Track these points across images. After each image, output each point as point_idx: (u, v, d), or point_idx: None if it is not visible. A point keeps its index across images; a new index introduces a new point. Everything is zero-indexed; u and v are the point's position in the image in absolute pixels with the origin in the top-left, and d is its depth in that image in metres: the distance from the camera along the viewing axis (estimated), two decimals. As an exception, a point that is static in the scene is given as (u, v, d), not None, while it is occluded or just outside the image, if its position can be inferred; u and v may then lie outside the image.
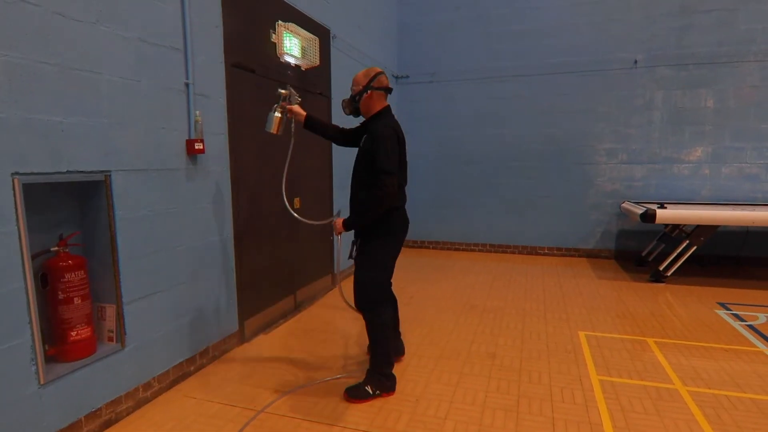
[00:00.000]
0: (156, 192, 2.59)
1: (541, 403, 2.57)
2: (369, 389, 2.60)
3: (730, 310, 4.15)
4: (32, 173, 1.96)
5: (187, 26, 2.74)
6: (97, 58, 2.22)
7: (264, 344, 3.44)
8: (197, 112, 2.83)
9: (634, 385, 2.76)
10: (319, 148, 4.50)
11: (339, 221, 2.61)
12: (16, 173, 1.89)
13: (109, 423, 2.36)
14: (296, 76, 4.02)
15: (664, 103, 5.94)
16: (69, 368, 2.16)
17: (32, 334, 1.98)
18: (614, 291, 4.78)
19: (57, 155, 2.05)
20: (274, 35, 3.65)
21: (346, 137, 2.92)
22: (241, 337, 3.41)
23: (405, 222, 2.73)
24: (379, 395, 2.62)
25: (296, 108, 2.88)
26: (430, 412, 2.49)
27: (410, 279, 5.30)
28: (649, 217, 4.81)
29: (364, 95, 2.61)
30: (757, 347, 3.33)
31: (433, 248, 7.09)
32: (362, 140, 2.64)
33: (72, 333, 2.18)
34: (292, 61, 3.87)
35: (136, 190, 2.46)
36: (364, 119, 2.73)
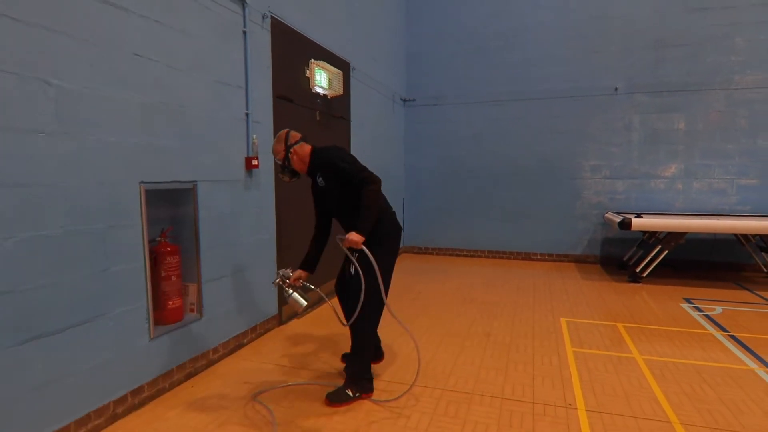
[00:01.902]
0: (225, 198, 3.33)
1: (525, 366, 3.26)
2: (350, 392, 2.67)
3: (693, 304, 4.84)
4: (151, 182, 2.69)
5: (248, 69, 3.51)
6: (189, 97, 2.98)
7: (297, 327, 4.13)
8: (254, 136, 3.59)
9: (600, 355, 3.45)
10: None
11: (351, 236, 2.51)
12: (142, 182, 2.63)
13: (191, 375, 3.06)
14: (323, 104, 4.79)
15: (641, 126, 6.71)
16: (166, 329, 2.87)
17: (147, 300, 2.69)
18: (596, 289, 5.47)
19: (165, 169, 2.79)
20: (307, 71, 4.43)
21: (326, 223, 2.93)
22: (279, 319, 4.11)
23: (397, 228, 2.82)
24: (359, 397, 2.69)
25: (296, 274, 2.87)
26: (438, 370, 3.18)
27: (417, 279, 6.00)
28: (625, 225, 5.53)
29: (291, 157, 2.70)
30: (708, 330, 4.02)
31: (437, 254, 7.79)
32: (318, 182, 2.71)
33: (169, 302, 2.89)
34: (321, 91, 4.65)
35: (212, 196, 3.20)
36: (306, 173, 2.80)
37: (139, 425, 2.49)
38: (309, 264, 2.91)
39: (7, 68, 1.95)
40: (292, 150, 2.70)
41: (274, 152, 2.76)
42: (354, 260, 2.62)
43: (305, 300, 2.83)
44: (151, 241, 2.83)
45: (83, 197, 2.30)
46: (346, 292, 2.93)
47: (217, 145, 3.24)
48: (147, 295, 2.69)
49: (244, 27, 3.46)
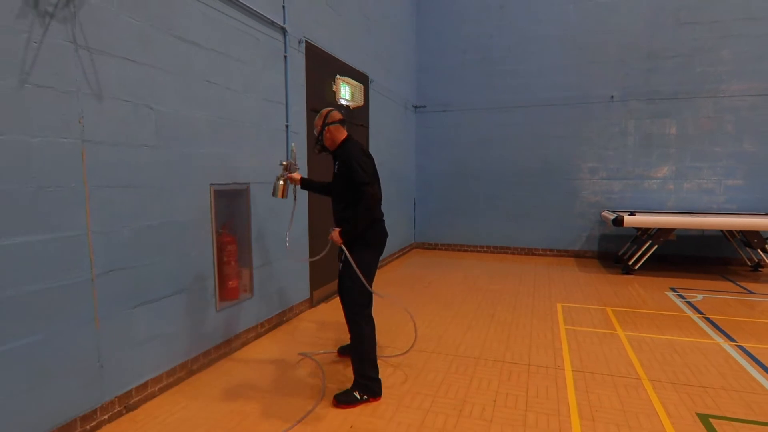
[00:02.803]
0: (271, 198, 3.94)
1: (523, 339, 3.85)
2: (357, 395, 2.74)
3: (677, 292, 5.40)
4: (218, 184, 3.32)
5: (288, 87, 4.14)
6: (243, 113, 3.61)
7: (326, 310, 4.75)
8: (292, 144, 4.18)
9: (588, 331, 4.03)
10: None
11: (335, 233, 2.79)
12: (212, 184, 3.26)
13: (244, 344, 3.68)
14: (347, 113, 5.40)
15: (636, 130, 7.26)
16: (227, 305, 3.49)
17: (214, 279, 3.32)
18: (591, 280, 6.04)
19: (228, 173, 3.42)
20: (334, 86, 5.05)
21: (330, 192, 3.12)
22: (311, 302, 4.73)
23: (384, 235, 2.96)
24: (367, 400, 2.76)
25: (295, 175, 3.19)
26: (449, 341, 3.78)
27: (428, 271, 6.60)
28: (618, 221, 6.09)
29: (324, 133, 2.93)
30: (686, 313, 4.58)
31: (445, 249, 8.38)
32: (335, 166, 2.93)
33: (229, 282, 3.52)
34: (345, 102, 5.26)
35: (260, 195, 3.82)
36: (331, 152, 3.02)
37: (212, 378, 3.12)
38: (307, 180, 3.25)
39: (125, 98, 2.59)
40: (327, 128, 2.91)
41: (315, 125, 3.00)
42: (341, 257, 2.87)
43: (283, 194, 3.18)
44: (216, 232, 3.45)
45: (173, 196, 2.93)
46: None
47: (264, 152, 3.86)
48: (214, 276, 3.32)
49: (285, 52, 4.09)
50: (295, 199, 3.33)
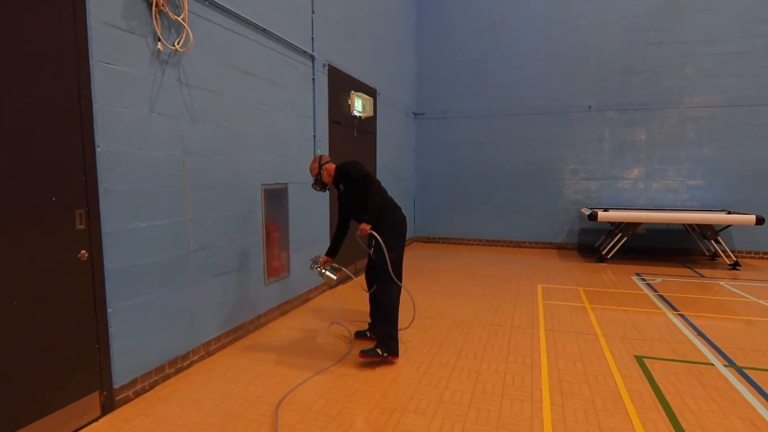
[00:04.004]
0: (302, 196, 4.81)
1: (508, 309, 4.75)
2: (379, 351, 3.29)
3: (641, 276, 6.34)
4: (267, 184, 4.18)
5: (315, 104, 5.00)
6: (284, 127, 4.47)
7: (344, 290, 5.62)
8: (318, 151, 5.08)
9: (561, 305, 4.95)
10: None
11: (361, 226, 3.31)
12: (263, 184, 4.12)
13: (283, 313, 4.55)
14: (359, 123, 6.28)
15: (611, 137, 8.20)
16: (272, 281, 4.35)
17: (263, 259, 4.18)
18: (569, 267, 6.97)
19: (273, 175, 4.28)
20: (349, 100, 5.92)
21: (345, 222, 3.76)
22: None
23: (403, 218, 3.55)
24: (386, 357, 3.31)
25: (324, 259, 3.72)
26: (448, 312, 4.67)
27: (427, 261, 7.50)
28: (593, 216, 7.02)
29: (322, 172, 3.54)
30: (644, 292, 5.51)
31: (442, 242, 9.28)
32: (339, 190, 3.56)
33: (274, 263, 4.38)
34: (357, 114, 6.13)
35: (296, 194, 4.68)
36: (331, 184, 3.62)
37: (266, 335, 3.98)
38: (332, 251, 3.77)
39: (208, 120, 3.44)
40: (323, 168, 3.55)
41: (311, 169, 3.60)
42: (370, 249, 3.49)
43: (334, 275, 3.67)
44: (264, 222, 4.31)
45: (237, 193, 3.78)
46: (372, 272, 3.71)
47: (297, 158, 4.73)
48: (263, 257, 4.18)
49: (313, 75, 4.95)
50: (337, 267, 3.80)
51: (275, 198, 4.50)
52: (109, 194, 2.64)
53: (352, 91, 5.95)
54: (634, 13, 7.89)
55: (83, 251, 2.50)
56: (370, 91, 6.64)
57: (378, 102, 7.02)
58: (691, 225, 7.41)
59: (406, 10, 8.46)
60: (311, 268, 3.68)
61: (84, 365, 2.54)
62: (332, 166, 3.56)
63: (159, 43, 2.93)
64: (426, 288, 5.65)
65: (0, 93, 2.10)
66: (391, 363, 3.38)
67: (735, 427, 2.53)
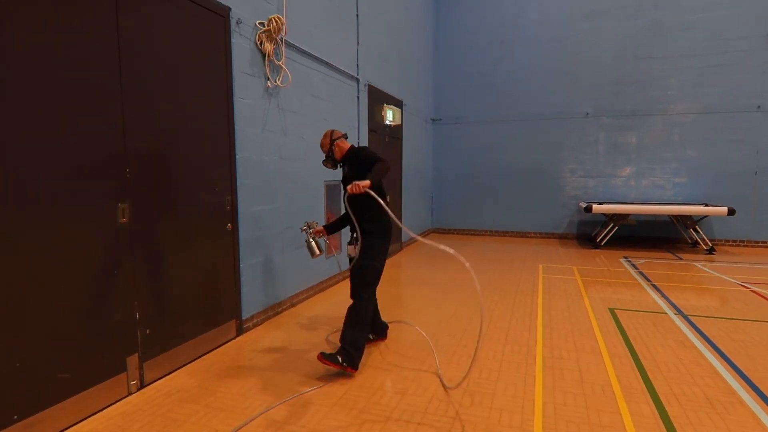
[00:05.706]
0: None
1: (513, 281, 5.96)
2: (339, 359, 2.97)
3: (627, 259, 7.50)
4: (327, 181, 5.43)
5: (360, 116, 6.24)
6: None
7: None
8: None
9: (557, 278, 6.14)
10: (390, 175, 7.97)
11: (362, 182, 2.76)
12: (325, 181, 5.37)
13: (335, 283, 5.79)
14: (389, 131, 7.51)
15: (605, 140, 9.35)
16: (330, 256, 5.60)
17: (325, 239, 5.43)
18: (567, 252, 8.15)
19: (331, 175, 5.52)
20: (382, 111, 7.15)
21: (347, 215, 3.40)
22: (369, 263, 6.84)
23: (392, 228, 3.34)
24: (345, 367, 2.98)
25: (318, 228, 3.56)
26: (464, 283, 5.89)
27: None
28: (588, 209, 8.18)
29: (333, 148, 3.35)
30: (628, 270, 6.68)
31: (457, 233, 10.49)
32: (345, 170, 3.34)
33: (332, 242, 5.63)
34: (389, 123, 7.37)
35: (332, 191, 5.92)
36: (340, 160, 3.41)
37: (325, 298, 5.22)
38: (330, 228, 3.61)
39: (293, 134, 4.69)
40: (335, 143, 3.36)
41: (321, 145, 3.38)
42: (354, 239, 3.34)
43: (318, 249, 3.56)
44: (326, 210, 5.56)
45: (309, 188, 5.03)
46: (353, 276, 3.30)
47: (347, 160, 5.97)
48: (325, 237, 5.42)
49: (357, 94, 6.19)
50: (326, 252, 4.15)
51: (332, 192, 5.76)
52: (242, 187, 3.90)
53: (385, 104, 7.18)
54: (625, 33, 9.03)
55: (229, 224, 3.76)
56: (398, 103, 7.87)
57: (405, 112, 8.24)
58: (674, 216, 8.55)
59: (426, 31, 9.67)
60: (302, 230, 3.56)
61: (228, 300, 3.81)
62: (345, 144, 3.38)
63: (268, 81, 4.18)
64: (444, 266, 6.87)
65: (199, 118, 3.37)
66: (348, 375, 3.09)
67: (668, 344, 3.73)
